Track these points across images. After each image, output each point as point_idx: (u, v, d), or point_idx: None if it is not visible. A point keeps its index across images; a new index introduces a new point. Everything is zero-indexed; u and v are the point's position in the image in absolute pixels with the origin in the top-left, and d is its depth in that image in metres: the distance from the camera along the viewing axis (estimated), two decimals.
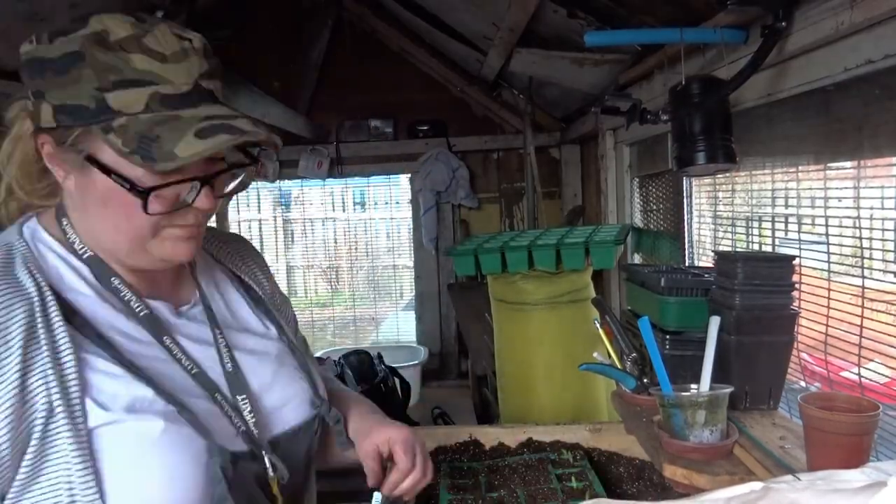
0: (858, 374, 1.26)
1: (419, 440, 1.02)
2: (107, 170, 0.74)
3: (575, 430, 1.47)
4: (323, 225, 4.59)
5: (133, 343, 0.80)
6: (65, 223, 0.81)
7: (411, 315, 4.39)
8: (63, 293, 0.78)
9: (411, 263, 4.30)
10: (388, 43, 3.88)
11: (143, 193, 0.74)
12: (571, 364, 1.49)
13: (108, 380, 0.74)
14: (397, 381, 3.21)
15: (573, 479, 1.23)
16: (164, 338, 0.83)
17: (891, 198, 1.22)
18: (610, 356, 1.41)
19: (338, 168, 3.94)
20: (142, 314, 0.82)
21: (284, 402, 0.91)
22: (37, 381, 0.70)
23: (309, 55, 3.77)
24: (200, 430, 0.77)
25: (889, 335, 1.22)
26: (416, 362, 3.83)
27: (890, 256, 1.24)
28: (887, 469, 0.62)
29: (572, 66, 2.45)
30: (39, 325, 0.72)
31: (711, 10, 1.50)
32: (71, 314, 0.76)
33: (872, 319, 1.25)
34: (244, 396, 0.86)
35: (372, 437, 0.99)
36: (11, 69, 3.05)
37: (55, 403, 0.70)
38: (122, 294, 0.82)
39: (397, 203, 4.53)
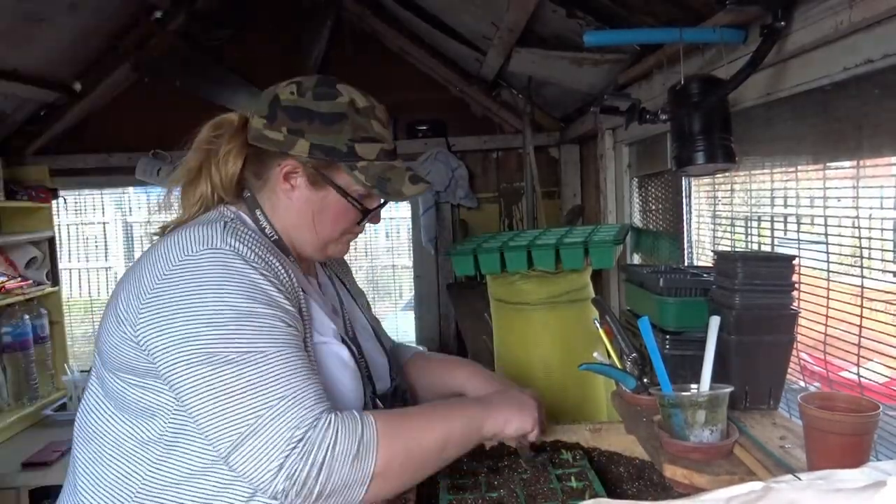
0: (858, 374, 1.26)
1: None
2: (344, 192, 1.12)
3: (575, 430, 1.46)
4: None
5: (314, 295, 1.15)
6: (258, 213, 1.14)
7: (411, 315, 4.38)
8: None
9: (411, 263, 4.29)
10: (387, 43, 3.87)
11: (365, 212, 1.16)
12: (571, 364, 1.49)
13: (318, 314, 1.12)
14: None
15: (573, 479, 1.23)
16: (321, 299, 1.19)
17: (890, 198, 1.22)
18: (610, 356, 1.41)
19: None
20: (308, 280, 1.18)
21: (379, 370, 1.24)
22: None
23: (309, 55, 3.76)
24: (360, 368, 1.16)
25: (889, 335, 1.22)
26: None
27: (889, 256, 1.24)
28: (887, 469, 0.62)
29: (571, 65, 2.45)
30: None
31: (711, 10, 1.50)
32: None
33: (872, 319, 1.25)
34: (362, 357, 1.18)
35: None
36: (10, 69, 3.05)
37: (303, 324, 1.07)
38: (297, 265, 1.16)
39: (396, 203, 4.53)
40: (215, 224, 1.03)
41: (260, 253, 1.02)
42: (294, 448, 0.90)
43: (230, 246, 0.99)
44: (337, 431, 0.93)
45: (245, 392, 0.92)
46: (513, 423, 1.13)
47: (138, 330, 0.97)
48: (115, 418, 1.05)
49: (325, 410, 0.95)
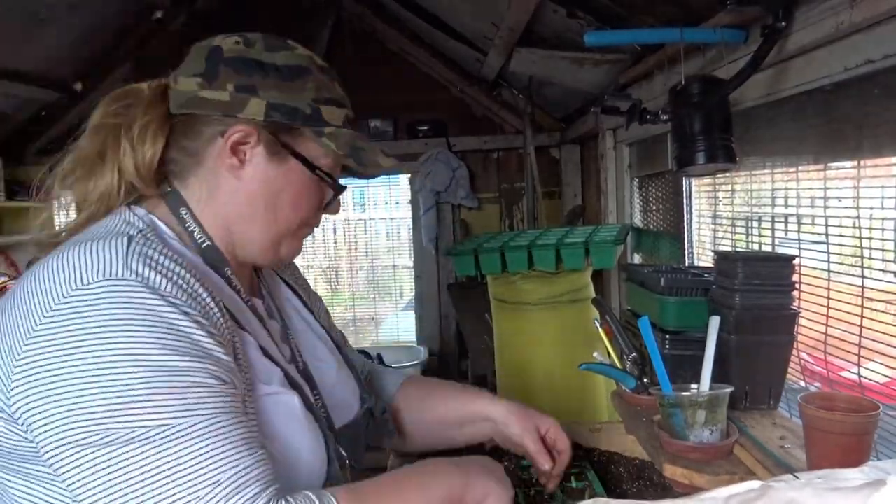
0: (858, 374, 1.26)
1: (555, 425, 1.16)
2: (311, 164, 0.88)
3: (575, 430, 1.46)
4: (323, 225, 4.58)
5: (252, 324, 0.88)
6: (183, 213, 0.87)
7: (411, 315, 4.38)
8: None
9: (411, 263, 4.29)
10: (388, 43, 3.88)
11: (340, 188, 0.93)
12: (571, 364, 1.49)
13: (260, 358, 0.84)
14: None
15: (573, 479, 1.23)
16: (265, 330, 0.92)
17: (891, 198, 1.22)
18: (610, 356, 1.41)
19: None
20: (248, 304, 0.90)
21: (344, 399, 1.00)
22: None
23: None
24: (312, 410, 0.88)
25: (889, 335, 1.22)
26: (416, 362, 3.83)
27: (890, 256, 1.24)
28: (887, 468, 0.62)
29: (572, 65, 2.45)
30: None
31: (711, 10, 1.50)
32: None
33: (872, 319, 1.25)
34: (316, 392, 0.94)
35: (532, 420, 1.12)
36: (11, 69, 3.06)
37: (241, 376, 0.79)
38: (233, 284, 0.88)
39: (397, 203, 4.53)
40: (116, 241, 0.74)
41: (182, 281, 0.75)
42: None
43: (137, 274, 0.71)
44: None
45: (161, 483, 0.66)
46: (491, 497, 0.91)
47: (13, 398, 0.69)
48: None
49: (274, 497, 0.71)
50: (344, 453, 0.92)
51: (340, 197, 0.96)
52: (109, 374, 0.67)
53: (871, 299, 1.24)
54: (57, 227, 0.92)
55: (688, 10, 1.64)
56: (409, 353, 4.01)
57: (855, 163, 1.31)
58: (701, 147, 1.41)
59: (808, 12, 1.26)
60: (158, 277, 0.73)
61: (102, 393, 0.66)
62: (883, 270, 1.24)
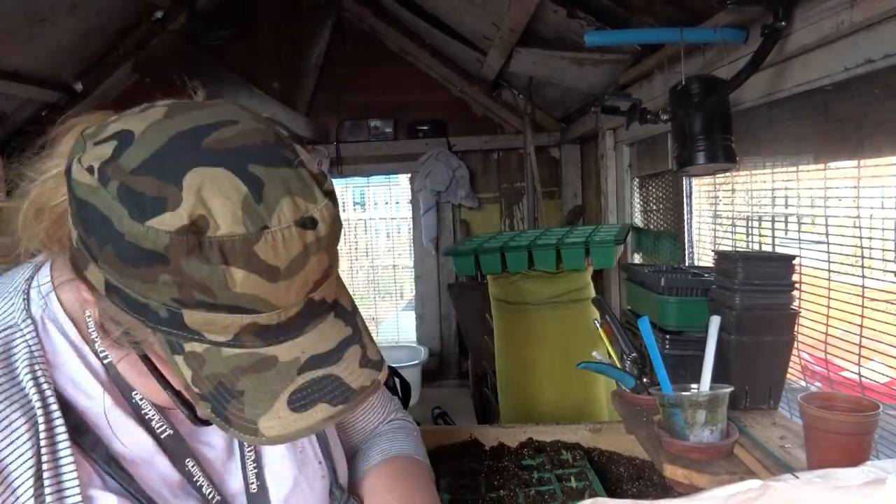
0: (858, 374, 1.26)
1: None
2: (165, 384, 0.61)
3: (575, 430, 1.46)
4: None
5: (149, 469, 0.68)
6: (88, 314, 0.65)
7: (411, 315, 4.38)
8: (71, 398, 0.65)
9: (411, 263, 4.29)
10: (387, 43, 3.88)
11: (199, 423, 0.62)
12: (572, 364, 1.49)
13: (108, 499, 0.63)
14: (397, 381, 3.21)
15: (573, 479, 1.23)
16: (187, 460, 0.71)
17: (891, 198, 1.22)
18: (610, 356, 1.41)
19: (338, 168, 3.94)
20: (164, 436, 0.70)
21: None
22: None
23: (309, 55, 3.77)
24: None
25: (889, 335, 1.22)
26: (417, 362, 3.83)
27: (890, 256, 1.24)
28: (886, 468, 0.62)
29: (572, 66, 2.45)
30: (44, 459, 0.60)
31: (711, 10, 1.50)
32: (78, 432, 0.64)
33: (873, 319, 1.25)
34: None
35: None
36: (12, 70, 3.06)
37: None
38: (143, 412, 0.69)
39: (397, 203, 4.54)
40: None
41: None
42: None
43: None
44: None
45: None
46: None
47: None
48: None
49: None
50: None
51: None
52: None
53: (872, 299, 1.24)
54: None
55: (688, 10, 1.64)
56: (409, 353, 4.01)
57: (855, 163, 1.31)
58: (701, 147, 1.41)
59: (808, 12, 1.26)
60: None
61: None
62: (883, 270, 1.24)
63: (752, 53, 1.33)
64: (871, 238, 1.27)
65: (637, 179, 2.86)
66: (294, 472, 0.78)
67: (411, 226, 4.22)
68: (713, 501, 0.54)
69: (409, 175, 4.12)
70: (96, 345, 0.66)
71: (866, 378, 1.26)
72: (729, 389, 1.09)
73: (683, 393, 1.12)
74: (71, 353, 0.66)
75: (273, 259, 0.53)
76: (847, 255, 1.36)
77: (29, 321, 0.64)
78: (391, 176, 4.34)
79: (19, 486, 0.58)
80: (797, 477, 0.59)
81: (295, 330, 0.57)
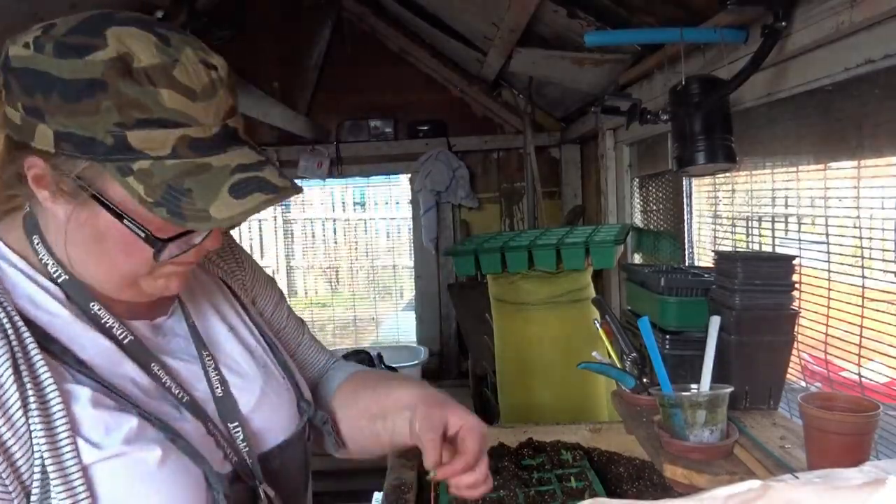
0: (858, 374, 1.26)
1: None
2: (118, 214, 0.68)
3: (575, 430, 1.46)
4: (323, 225, 4.59)
5: (117, 369, 0.73)
6: (36, 242, 0.73)
7: (411, 315, 4.38)
8: (33, 317, 0.70)
9: (411, 263, 4.29)
10: (388, 43, 3.88)
11: (159, 243, 0.70)
12: (571, 364, 1.49)
13: (97, 412, 0.68)
14: None
15: (573, 479, 1.23)
16: (153, 364, 0.76)
17: (891, 198, 1.22)
18: (610, 356, 1.41)
19: (338, 168, 3.93)
20: (126, 341, 0.75)
21: (273, 418, 0.86)
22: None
23: (309, 55, 3.77)
24: (197, 459, 0.72)
25: (889, 335, 1.22)
26: (416, 362, 3.83)
27: (890, 256, 1.24)
28: (886, 468, 0.62)
29: (572, 66, 2.45)
30: (19, 358, 0.65)
31: (711, 10, 1.50)
32: (46, 340, 0.69)
33: (872, 319, 1.25)
34: (236, 424, 0.80)
35: (444, 411, 0.86)
36: None
37: (44, 449, 0.64)
38: (103, 321, 0.75)
39: (397, 203, 4.54)
40: None
41: None
42: None
43: None
44: None
45: None
46: None
47: None
48: None
49: None
50: (266, 492, 0.79)
51: (218, 230, 0.74)
52: None
53: (872, 299, 1.24)
54: None
55: (688, 10, 1.64)
56: (409, 353, 4.01)
57: (855, 163, 1.31)
58: (701, 147, 1.41)
59: (808, 12, 1.26)
60: None
61: None
62: (883, 270, 1.24)
63: (752, 54, 1.33)
64: (871, 238, 1.27)
65: (637, 179, 2.87)
66: (260, 382, 0.86)
67: (411, 226, 4.22)
68: (713, 501, 0.54)
69: (409, 175, 4.12)
70: (49, 267, 0.73)
71: (866, 378, 1.26)
72: (729, 389, 1.09)
73: (683, 393, 1.12)
74: (24, 279, 0.73)
75: (189, 82, 0.67)
76: (847, 255, 1.36)
77: None
78: (391, 176, 4.33)
79: (4, 381, 0.64)
80: (797, 477, 0.59)
81: (220, 148, 0.69)
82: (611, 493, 1.23)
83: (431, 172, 3.84)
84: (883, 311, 1.24)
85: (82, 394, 0.68)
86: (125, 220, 0.68)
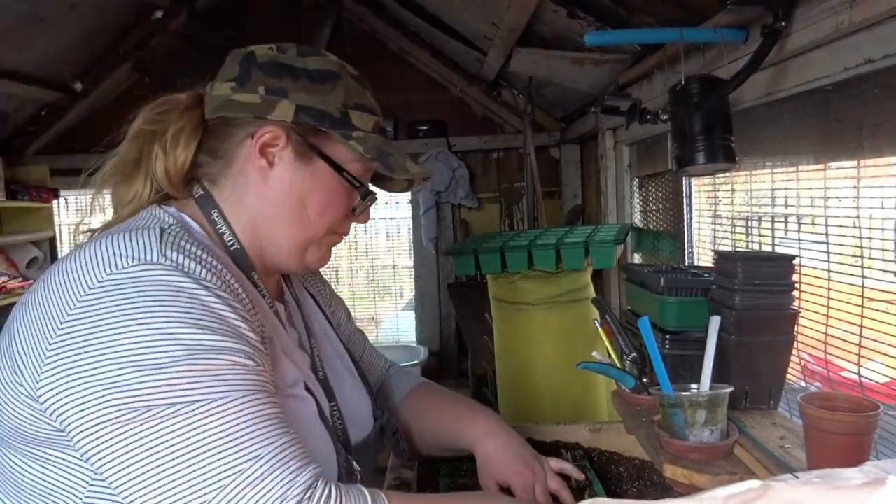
0: (858, 374, 1.26)
1: (541, 475, 1.06)
2: (338, 167, 0.89)
3: (575, 430, 1.46)
4: None
5: (277, 330, 0.89)
6: (215, 214, 0.88)
7: (411, 315, 4.38)
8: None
9: (411, 263, 4.30)
10: (388, 43, 3.88)
11: (366, 193, 0.93)
12: (571, 364, 1.49)
13: (281, 356, 0.85)
14: None
15: (573, 479, 1.23)
16: (288, 328, 0.94)
17: (891, 198, 1.22)
18: (610, 356, 1.41)
19: None
20: (272, 308, 0.91)
21: (355, 417, 0.98)
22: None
23: None
24: (326, 422, 0.88)
25: (889, 335, 1.22)
26: (416, 362, 3.83)
27: (890, 256, 1.24)
28: (886, 468, 0.62)
29: (572, 65, 2.45)
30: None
31: (711, 10, 1.50)
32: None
33: (872, 319, 1.25)
34: (334, 404, 0.93)
35: (494, 468, 1.06)
36: (11, 69, 3.06)
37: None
38: (259, 289, 0.89)
39: (397, 203, 4.53)
40: (147, 232, 0.76)
41: (213, 268, 0.77)
42: None
43: (171, 260, 0.73)
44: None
45: (201, 458, 0.66)
46: None
47: (42, 382, 0.69)
48: None
49: (318, 476, 0.72)
50: (358, 467, 0.89)
51: (370, 205, 0.96)
52: (147, 352, 0.67)
53: (872, 299, 1.24)
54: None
55: (688, 10, 1.64)
56: (409, 352, 4.01)
57: (855, 163, 1.31)
58: (701, 147, 1.41)
59: (808, 12, 1.26)
60: (191, 263, 0.74)
61: (140, 371, 0.67)
62: (883, 270, 1.24)
63: (752, 53, 1.33)
64: (870, 238, 1.27)
65: (637, 179, 2.87)
66: (349, 381, 1.02)
67: (411, 226, 4.22)
68: (713, 501, 0.54)
69: None
70: (224, 237, 0.88)
71: (866, 378, 1.26)
72: (729, 389, 1.09)
73: (683, 393, 1.12)
74: (205, 245, 0.83)
75: (371, 92, 0.95)
76: (847, 255, 1.36)
77: (174, 226, 0.82)
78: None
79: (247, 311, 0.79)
80: (797, 477, 0.59)
81: (388, 138, 0.96)
82: (611, 493, 1.23)
83: (431, 172, 3.84)
84: (883, 311, 1.24)
85: (274, 341, 0.85)
86: (343, 173, 0.89)
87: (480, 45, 3.11)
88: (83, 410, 0.67)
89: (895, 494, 0.49)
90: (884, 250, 1.25)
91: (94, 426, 0.67)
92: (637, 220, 2.87)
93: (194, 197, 0.89)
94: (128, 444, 0.66)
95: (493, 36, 2.67)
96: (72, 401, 0.67)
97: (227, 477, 0.66)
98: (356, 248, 4.58)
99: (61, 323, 0.69)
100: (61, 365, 0.68)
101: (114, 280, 0.70)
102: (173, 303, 0.70)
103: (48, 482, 0.74)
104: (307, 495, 0.69)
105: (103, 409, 0.66)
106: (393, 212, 4.57)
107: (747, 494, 0.53)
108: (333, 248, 0.98)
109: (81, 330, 0.68)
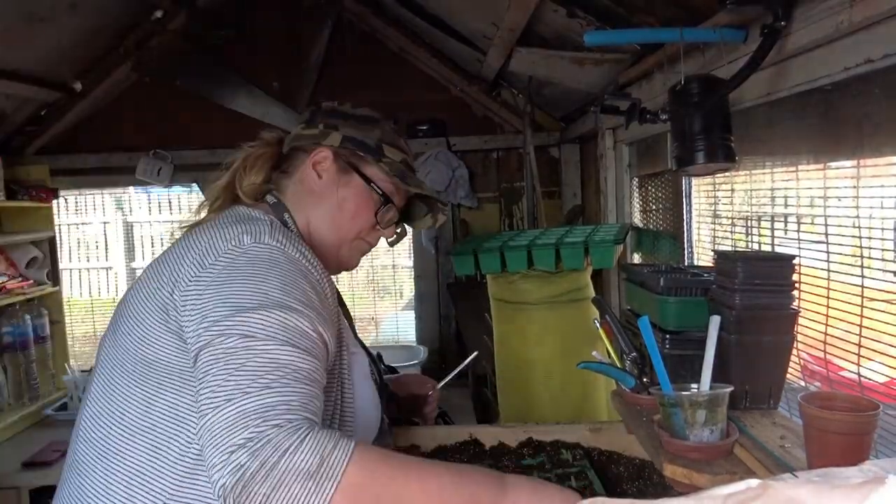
0: (858, 374, 1.26)
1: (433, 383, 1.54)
2: (368, 179, 1.20)
3: (575, 430, 1.47)
4: None
5: (334, 308, 1.11)
6: (286, 217, 1.17)
7: (411, 315, 4.38)
8: None
9: (411, 263, 4.29)
10: (388, 43, 3.87)
11: (385, 200, 1.21)
12: (571, 364, 1.49)
13: (343, 325, 1.14)
14: None
15: (573, 478, 1.23)
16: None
17: (891, 198, 1.22)
18: (610, 355, 1.41)
19: None
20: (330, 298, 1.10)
21: (371, 407, 1.17)
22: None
23: (309, 55, 3.76)
24: (374, 377, 1.23)
25: (889, 335, 1.22)
26: (416, 362, 3.83)
27: (890, 256, 1.24)
28: (886, 467, 0.62)
29: (572, 65, 2.45)
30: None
31: (711, 10, 1.50)
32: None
33: (872, 319, 1.25)
34: (374, 365, 1.25)
35: (395, 384, 1.50)
36: (11, 69, 3.05)
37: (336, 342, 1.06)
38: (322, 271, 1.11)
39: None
40: (261, 223, 1.05)
41: (306, 255, 1.04)
42: (250, 439, 0.77)
43: (279, 242, 1.01)
44: (303, 439, 0.77)
45: (241, 371, 0.84)
46: None
47: (184, 312, 0.95)
48: (133, 442, 0.96)
49: (305, 419, 0.81)
50: (387, 418, 1.23)
51: (394, 224, 1.27)
52: (246, 299, 0.92)
53: (872, 299, 1.24)
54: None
55: (688, 10, 1.64)
56: (408, 352, 4.01)
57: (855, 162, 1.31)
58: (701, 147, 1.41)
59: (808, 12, 1.26)
60: (291, 248, 1.02)
61: (236, 308, 0.90)
62: (883, 270, 1.24)
63: (752, 53, 1.33)
64: (870, 238, 1.27)
65: (636, 179, 2.86)
66: (372, 385, 1.20)
67: None
68: (713, 500, 0.54)
69: None
70: (294, 232, 1.17)
71: (866, 378, 1.26)
72: (729, 389, 1.09)
73: (683, 393, 1.12)
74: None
75: (407, 149, 1.29)
76: (846, 255, 1.36)
77: (271, 223, 1.10)
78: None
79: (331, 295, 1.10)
80: (796, 476, 0.59)
81: (415, 175, 1.29)
82: (611, 493, 1.23)
83: (431, 172, 3.83)
84: (882, 311, 1.24)
85: (339, 311, 1.14)
86: (371, 184, 1.21)
87: (480, 44, 3.11)
88: (207, 322, 0.91)
89: (894, 493, 0.49)
90: (883, 250, 1.25)
91: (202, 326, 0.91)
92: (637, 219, 2.87)
93: (269, 203, 1.19)
94: (211, 346, 0.88)
95: (492, 35, 2.66)
96: (201, 316, 0.92)
97: (249, 387, 0.83)
98: None
99: (200, 272, 0.98)
100: (197, 296, 0.95)
101: (240, 249, 0.99)
102: (273, 272, 0.96)
103: (179, 406, 0.95)
104: (284, 424, 0.79)
105: (210, 319, 0.91)
106: None
107: (746, 493, 0.53)
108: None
109: (214, 275, 0.96)
